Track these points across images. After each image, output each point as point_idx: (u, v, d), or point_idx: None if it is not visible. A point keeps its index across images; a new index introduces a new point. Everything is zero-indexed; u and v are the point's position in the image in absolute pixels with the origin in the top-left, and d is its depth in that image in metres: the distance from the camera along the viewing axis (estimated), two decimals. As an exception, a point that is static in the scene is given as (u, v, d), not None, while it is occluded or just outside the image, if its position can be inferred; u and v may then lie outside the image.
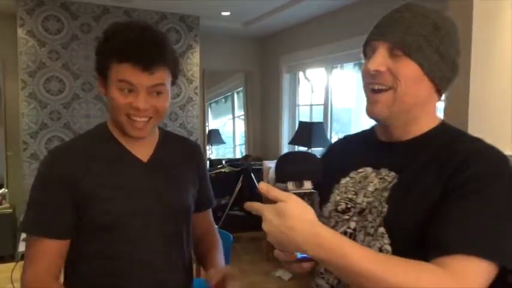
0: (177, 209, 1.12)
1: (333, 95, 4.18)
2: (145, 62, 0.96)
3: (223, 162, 5.06)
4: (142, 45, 0.97)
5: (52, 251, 1.01)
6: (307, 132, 3.66)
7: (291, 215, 0.65)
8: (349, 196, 0.85)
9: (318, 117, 4.33)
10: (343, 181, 0.88)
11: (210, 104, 6.37)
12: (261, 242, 4.02)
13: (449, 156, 0.75)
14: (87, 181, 1.01)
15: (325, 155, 1.01)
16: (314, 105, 4.49)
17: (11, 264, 2.44)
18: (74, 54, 3.80)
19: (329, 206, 0.88)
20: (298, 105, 4.78)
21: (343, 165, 0.90)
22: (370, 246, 0.77)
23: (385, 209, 0.78)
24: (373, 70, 0.78)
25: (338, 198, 0.87)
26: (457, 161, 0.73)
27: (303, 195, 0.72)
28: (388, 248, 0.75)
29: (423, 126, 0.82)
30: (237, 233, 3.66)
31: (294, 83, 4.79)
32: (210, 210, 1.29)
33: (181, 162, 1.16)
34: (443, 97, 0.87)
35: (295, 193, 0.72)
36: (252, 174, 4.49)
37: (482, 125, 1.78)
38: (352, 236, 0.81)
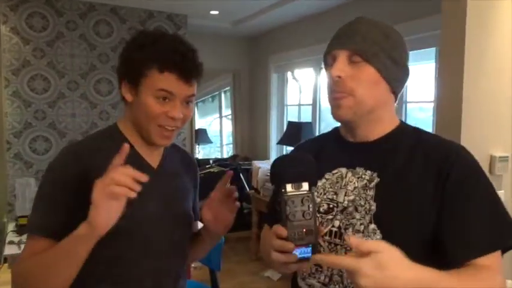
0: (183, 219, 1.12)
1: (321, 95, 4.20)
2: (189, 74, 0.98)
3: (211, 162, 5.04)
4: (187, 57, 0.98)
5: (40, 249, 0.96)
6: (296, 132, 3.67)
7: (391, 265, 0.66)
8: (330, 196, 0.90)
9: (306, 117, 4.35)
10: (320, 183, 0.92)
11: (197, 103, 6.35)
12: (248, 242, 4.02)
13: (429, 154, 0.84)
14: None
15: None
16: (302, 105, 4.50)
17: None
18: (59, 52, 3.73)
19: None
20: (287, 105, 4.79)
21: (317, 167, 0.90)
22: None
23: (373, 207, 0.83)
24: (336, 76, 0.85)
25: (318, 200, 0.90)
26: (442, 159, 0.82)
27: (302, 197, 0.72)
28: None
29: (386, 126, 0.90)
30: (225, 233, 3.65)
31: (282, 82, 4.80)
32: (197, 222, 1.26)
33: (182, 172, 1.16)
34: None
35: (294, 195, 0.72)
36: (241, 175, 4.48)
37: (475, 125, 1.79)
38: (338, 234, 0.86)
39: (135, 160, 1.02)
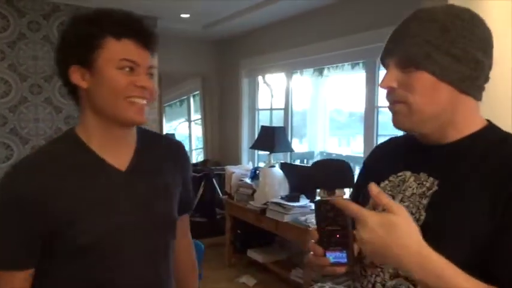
0: (165, 220, 1.02)
1: (293, 100, 4.24)
2: (148, 40, 0.90)
3: (182, 167, 4.95)
4: (142, 22, 0.91)
5: (18, 282, 0.90)
6: (270, 136, 3.67)
7: (401, 230, 0.63)
8: None
9: (277, 122, 4.37)
10: (382, 184, 0.87)
11: (165, 107, 6.23)
12: (221, 248, 3.97)
13: (493, 166, 0.73)
14: (60, 200, 0.88)
15: (368, 158, 1.00)
16: (274, 109, 4.52)
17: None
18: (21, 54, 3.53)
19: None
20: (258, 110, 4.79)
21: (384, 168, 0.89)
22: None
23: (422, 217, 0.77)
24: (383, 88, 0.80)
25: None
26: (508, 173, 0.71)
27: (334, 203, 0.72)
28: None
29: (462, 129, 0.79)
30: (199, 239, 3.59)
31: (254, 87, 4.79)
32: (187, 216, 1.18)
33: (164, 166, 1.04)
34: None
35: (327, 200, 0.72)
36: (214, 180, 4.44)
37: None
38: None
39: (98, 166, 0.93)
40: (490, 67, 0.79)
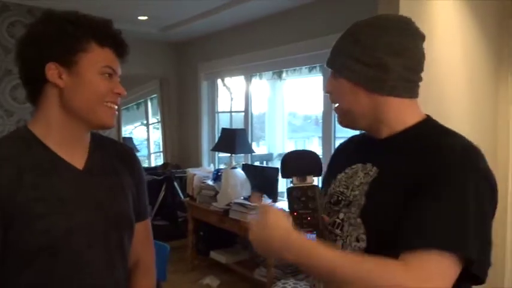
0: (121, 220, 1.03)
1: (252, 102, 4.31)
2: (124, 52, 0.98)
3: (141, 171, 4.88)
4: (120, 33, 0.97)
5: None
6: (231, 138, 3.72)
7: (268, 224, 0.77)
8: (341, 189, 0.94)
9: (237, 124, 4.43)
10: (339, 176, 0.97)
11: (121, 110, 6.10)
12: (183, 251, 3.96)
13: (416, 157, 0.83)
14: (17, 196, 0.86)
15: (332, 154, 1.11)
16: (234, 112, 4.58)
17: None
18: (-33, 55, 3.36)
19: (326, 198, 0.97)
20: (218, 112, 4.82)
21: (342, 162, 1.00)
22: (351, 235, 0.87)
23: (363, 202, 0.87)
24: (326, 93, 0.95)
25: (332, 191, 0.96)
26: (420, 159, 0.81)
27: (306, 188, 0.81)
28: (363, 236, 0.85)
29: (395, 126, 0.89)
30: (161, 242, 3.57)
31: (213, 90, 4.82)
32: (149, 222, 1.18)
33: (118, 168, 1.06)
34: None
35: (299, 186, 0.81)
36: (175, 182, 4.41)
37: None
38: (340, 226, 0.90)
39: (55, 164, 0.93)
40: (407, 67, 0.86)
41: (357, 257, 0.77)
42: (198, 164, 4.72)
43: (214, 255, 3.78)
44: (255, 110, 4.46)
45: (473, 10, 2.37)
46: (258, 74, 4.19)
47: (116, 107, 0.98)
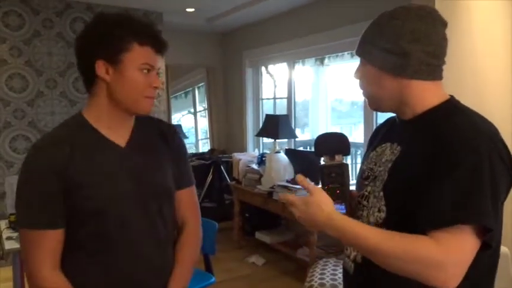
0: (158, 189, 1.18)
1: (295, 89, 4.40)
2: (162, 48, 1.12)
3: (190, 156, 5.14)
4: (158, 33, 1.11)
5: (51, 241, 1.06)
6: (274, 124, 3.85)
7: (312, 207, 0.90)
8: (371, 166, 1.05)
9: (280, 111, 4.54)
10: (371, 154, 1.07)
11: (171, 98, 6.40)
12: (231, 231, 4.18)
13: (432, 135, 0.89)
14: (71, 169, 1.05)
15: (371, 135, 1.20)
16: (277, 98, 4.70)
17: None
18: (36, 51, 3.72)
19: (359, 174, 1.09)
20: (262, 99, 4.96)
21: (375, 141, 1.11)
22: (375, 206, 0.98)
23: (385, 177, 0.97)
24: (354, 78, 1.03)
25: (364, 167, 1.07)
26: (437, 138, 0.87)
27: (335, 166, 0.93)
28: (384, 208, 0.95)
29: (416, 108, 0.96)
30: (209, 220, 3.78)
31: (257, 77, 4.96)
32: (192, 189, 1.31)
33: (158, 144, 1.22)
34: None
35: (329, 164, 0.93)
36: (222, 167, 4.63)
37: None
38: (367, 198, 1.02)
39: (102, 143, 1.13)
40: (427, 52, 0.92)
41: (393, 235, 0.85)
42: (243, 149, 4.91)
43: (259, 235, 3.96)
44: (300, 96, 4.54)
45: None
46: (300, 60, 4.27)
47: (154, 96, 1.14)
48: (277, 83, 4.76)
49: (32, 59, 3.71)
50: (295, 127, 4.35)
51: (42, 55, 3.74)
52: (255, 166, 3.92)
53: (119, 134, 1.14)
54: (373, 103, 1.02)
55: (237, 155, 4.16)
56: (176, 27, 4.68)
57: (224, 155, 4.88)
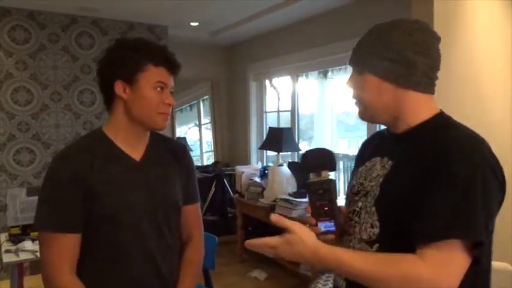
0: (167, 202, 1.26)
1: (299, 102, 4.39)
2: (175, 68, 1.21)
3: (194, 169, 5.13)
4: (172, 55, 1.21)
5: (71, 245, 1.13)
6: (277, 137, 3.84)
7: (296, 244, 0.85)
8: (361, 181, 1.02)
9: (284, 123, 4.53)
10: (360, 169, 1.06)
11: (175, 111, 6.43)
12: (233, 245, 4.14)
13: (426, 149, 0.88)
14: (91, 177, 1.13)
15: (359, 149, 1.19)
16: (281, 111, 4.69)
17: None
18: (42, 64, 3.76)
19: (349, 189, 1.07)
20: (266, 112, 4.96)
21: (364, 156, 1.09)
22: (367, 222, 0.95)
23: (377, 192, 0.95)
24: (347, 87, 1.01)
25: (354, 183, 1.05)
26: (429, 152, 0.86)
27: (322, 182, 0.91)
28: (377, 223, 0.93)
29: (410, 121, 0.95)
30: (209, 234, 3.75)
31: (261, 90, 4.97)
32: (198, 206, 1.41)
33: (169, 160, 1.31)
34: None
35: (316, 181, 0.91)
36: (225, 180, 4.61)
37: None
38: (358, 213, 0.99)
39: (119, 156, 1.22)
40: (429, 65, 0.93)
41: (379, 259, 0.84)
42: (247, 162, 4.90)
43: (262, 249, 3.91)
44: (305, 109, 4.53)
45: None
46: (304, 73, 4.27)
47: (168, 113, 1.22)
48: (281, 95, 4.76)
49: (37, 72, 3.75)
50: (299, 140, 4.33)
51: (47, 69, 3.79)
52: (257, 179, 3.89)
53: (134, 149, 1.23)
54: (366, 113, 1.00)
55: (239, 168, 4.15)
56: (181, 40, 4.72)
57: (227, 168, 4.87)
